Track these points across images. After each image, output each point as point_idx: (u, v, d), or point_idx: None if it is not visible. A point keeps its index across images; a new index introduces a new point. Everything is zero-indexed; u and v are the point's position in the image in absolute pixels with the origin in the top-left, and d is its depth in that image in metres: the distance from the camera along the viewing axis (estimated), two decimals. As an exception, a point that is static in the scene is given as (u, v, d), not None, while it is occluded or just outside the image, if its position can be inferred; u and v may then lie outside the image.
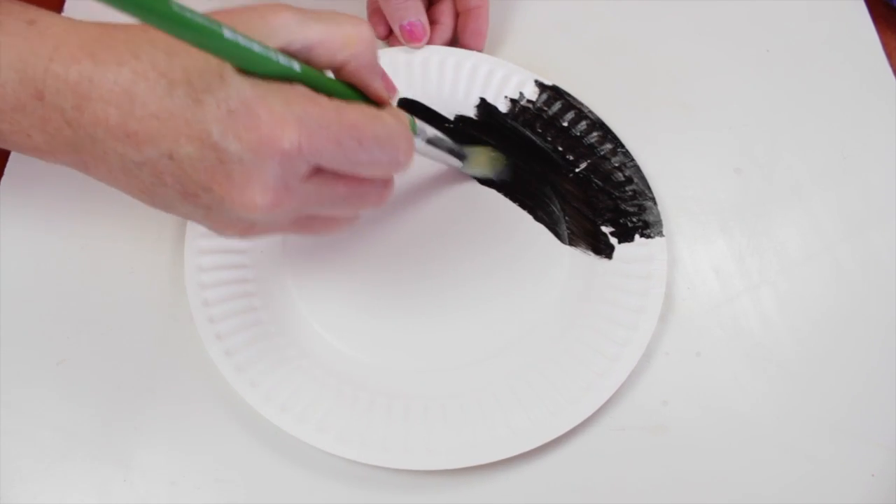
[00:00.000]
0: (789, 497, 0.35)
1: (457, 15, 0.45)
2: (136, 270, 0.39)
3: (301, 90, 0.25)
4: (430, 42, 0.44)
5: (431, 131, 0.36)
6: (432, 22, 0.44)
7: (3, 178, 0.41)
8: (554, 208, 0.40)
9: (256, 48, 0.24)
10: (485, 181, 0.41)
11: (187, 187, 0.26)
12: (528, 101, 0.42)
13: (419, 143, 0.34)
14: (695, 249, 0.40)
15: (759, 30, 0.47)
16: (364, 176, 0.28)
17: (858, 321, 0.39)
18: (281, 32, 0.25)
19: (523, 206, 0.41)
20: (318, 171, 0.27)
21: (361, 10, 0.44)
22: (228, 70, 0.25)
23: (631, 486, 0.35)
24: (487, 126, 0.42)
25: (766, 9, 0.48)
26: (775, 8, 0.48)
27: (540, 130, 0.42)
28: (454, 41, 0.45)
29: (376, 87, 0.29)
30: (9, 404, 0.35)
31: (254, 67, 0.25)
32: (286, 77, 0.25)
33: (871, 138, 0.44)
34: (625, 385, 0.36)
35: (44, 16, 0.27)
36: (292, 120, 0.25)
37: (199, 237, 0.38)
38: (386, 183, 0.30)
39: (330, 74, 0.28)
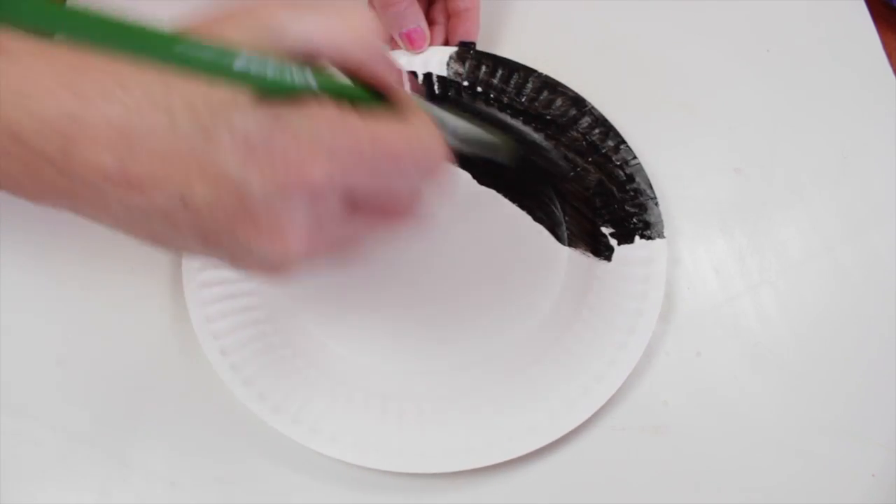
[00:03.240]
0: (789, 497, 0.35)
1: (448, 16, 0.44)
2: (136, 270, 0.39)
3: (326, 112, 0.22)
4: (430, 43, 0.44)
5: (455, 123, 0.32)
6: (429, 23, 0.44)
7: (4, 178, 0.41)
8: (554, 208, 0.40)
9: (270, 70, 0.21)
10: (484, 180, 0.41)
11: (206, 233, 0.23)
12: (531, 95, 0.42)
13: (449, 140, 0.31)
14: (695, 249, 0.40)
15: (759, 30, 0.47)
16: (400, 192, 0.25)
17: (858, 321, 0.39)
18: (276, 30, 0.23)
19: (522, 206, 0.40)
20: (352, 201, 0.24)
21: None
22: (234, 93, 0.21)
23: (631, 486, 0.35)
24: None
25: (766, 9, 0.48)
26: (775, 8, 0.48)
27: (541, 127, 0.42)
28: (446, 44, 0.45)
29: (391, 80, 0.26)
30: (9, 404, 0.35)
31: (268, 88, 0.22)
32: (303, 92, 0.22)
33: (871, 138, 0.44)
34: (625, 385, 0.36)
35: (22, 47, 0.22)
36: (321, 151, 0.22)
37: None
38: (419, 198, 0.27)
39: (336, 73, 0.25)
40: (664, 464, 0.35)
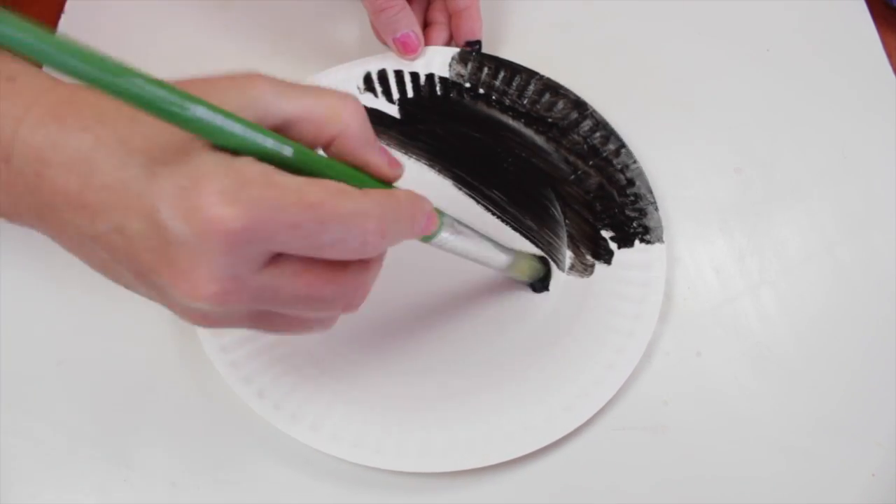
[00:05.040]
0: (789, 496, 0.35)
1: (449, 16, 0.44)
2: (137, 270, 0.39)
3: (266, 169, 0.23)
4: (430, 43, 0.43)
5: (463, 228, 0.32)
6: (429, 23, 0.44)
7: (4, 178, 0.41)
8: (554, 211, 0.40)
9: (237, 129, 0.22)
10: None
11: (138, 267, 0.24)
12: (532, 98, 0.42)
13: (443, 236, 0.30)
14: (695, 249, 0.40)
15: (759, 30, 0.47)
16: (330, 259, 0.24)
17: (858, 321, 0.39)
18: (257, 104, 0.23)
19: (525, 233, 0.40)
20: (276, 260, 0.24)
21: (362, 15, 0.44)
22: (198, 145, 0.22)
23: (631, 486, 0.35)
24: (486, 122, 0.42)
25: (766, 9, 0.48)
26: (775, 8, 0.48)
27: (542, 130, 0.42)
28: (450, 43, 0.45)
29: (375, 162, 0.26)
30: (9, 404, 0.35)
31: (233, 146, 0.22)
32: (271, 159, 0.23)
33: (871, 138, 0.44)
34: (625, 385, 0.36)
35: (24, 73, 0.25)
36: (241, 200, 0.22)
37: None
38: (362, 279, 0.26)
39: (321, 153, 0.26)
40: (664, 463, 0.35)
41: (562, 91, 0.43)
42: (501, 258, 0.35)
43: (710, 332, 0.38)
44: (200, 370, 0.36)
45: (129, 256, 0.24)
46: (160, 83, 0.21)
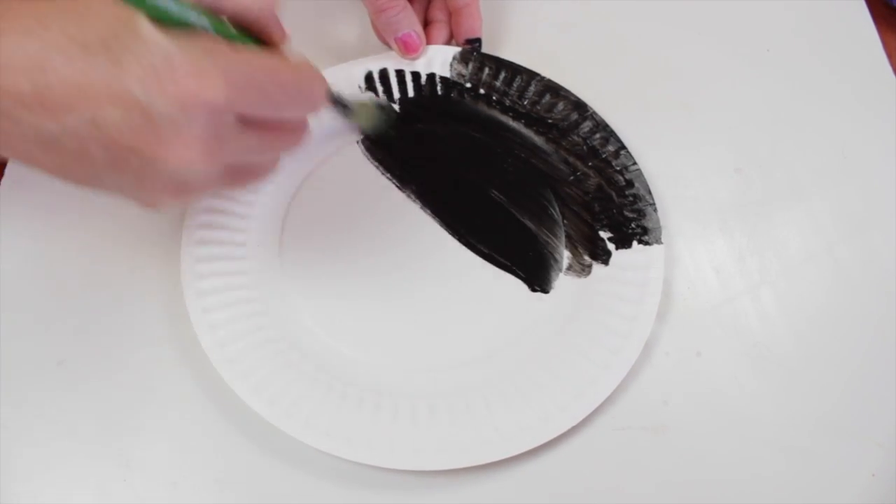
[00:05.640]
0: (789, 496, 0.35)
1: (449, 14, 0.44)
2: (136, 270, 0.39)
3: (218, 41, 0.26)
4: (430, 41, 0.43)
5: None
6: (429, 21, 0.44)
7: (4, 178, 0.41)
8: (553, 212, 0.40)
9: (171, 6, 0.25)
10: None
11: (115, 153, 0.25)
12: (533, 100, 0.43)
13: None
14: (695, 249, 0.40)
15: (759, 30, 0.47)
16: (286, 118, 0.30)
17: (858, 321, 0.39)
18: None
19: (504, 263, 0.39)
20: (242, 119, 0.27)
21: (363, 14, 0.44)
22: (143, 23, 0.25)
23: (631, 485, 0.35)
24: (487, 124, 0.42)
25: (766, 9, 0.48)
26: (775, 8, 0.48)
27: (542, 131, 0.42)
28: (450, 41, 0.45)
29: (276, 34, 0.31)
30: (9, 405, 0.35)
31: (167, 20, 0.25)
32: (199, 29, 0.27)
33: (871, 138, 0.44)
34: (625, 384, 0.36)
35: None
36: (216, 72, 0.25)
37: (197, 229, 0.38)
38: (304, 124, 0.32)
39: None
40: (664, 463, 0.35)
41: (562, 92, 0.43)
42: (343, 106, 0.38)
43: (709, 332, 0.38)
44: (200, 370, 0.36)
45: (104, 145, 0.25)
46: None
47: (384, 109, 0.42)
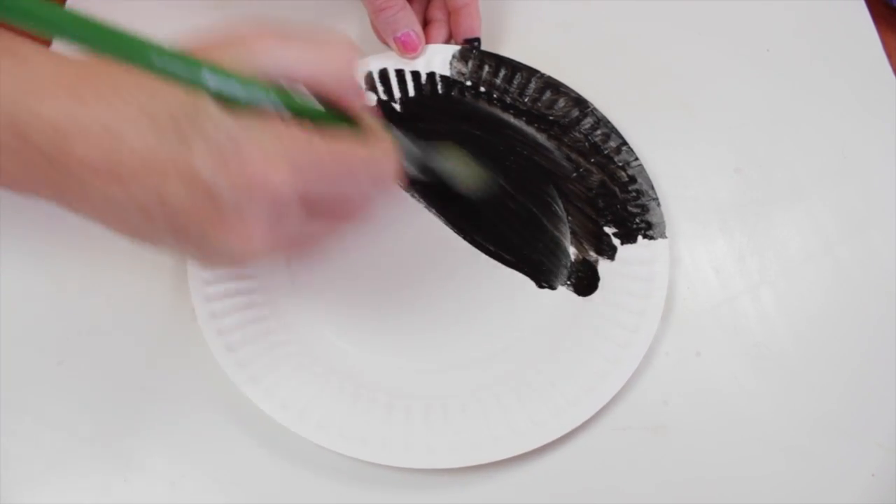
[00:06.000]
0: (789, 497, 0.35)
1: (448, 13, 0.44)
2: (136, 270, 0.39)
3: (290, 129, 0.26)
4: (429, 40, 0.43)
5: (411, 147, 0.35)
6: (428, 21, 0.44)
7: (3, 177, 0.40)
8: (557, 208, 0.40)
9: (237, 87, 0.25)
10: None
11: (177, 225, 0.26)
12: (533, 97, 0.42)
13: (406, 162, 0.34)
14: (695, 249, 0.40)
15: (759, 30, 0.47)
16: (353, 204, 0.29)
17: (858, 321, 0.39)
18: (262, 57, 0.26)
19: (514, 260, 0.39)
20: (309, 206, 0.27)
21: (362, 14, 0.44)
22: (210, 106, 0.24)
23: (631, 486, 0.35)
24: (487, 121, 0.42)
25: (766, 9, 0.48)
26: (775, 8, 0.48)
27: (544, 128, 0.42)
28: (449, 40, 0.45)
29: (357, 106, 0.30)
30: (9, 404, 0.35)
31: (236, 100, 0.25)
32: (268, 106, 0.26)
33: (871, 138, 0.44)
34: (625, 385, 0.36)
35: (35, 53, 0.26)
36: (283, 160, 0.25)
37: None
38: (370, 203, 0.31)
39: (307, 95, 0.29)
40: (664, 463, 0.35)
41: (562, 89, 0.43)
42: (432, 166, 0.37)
43: (710, 332, 0.38)
44: (200, 370, 0.36)
45: (167, 216, 0.25)
46: (174, 52, 0.23)
47: (472, 164, 0.40)
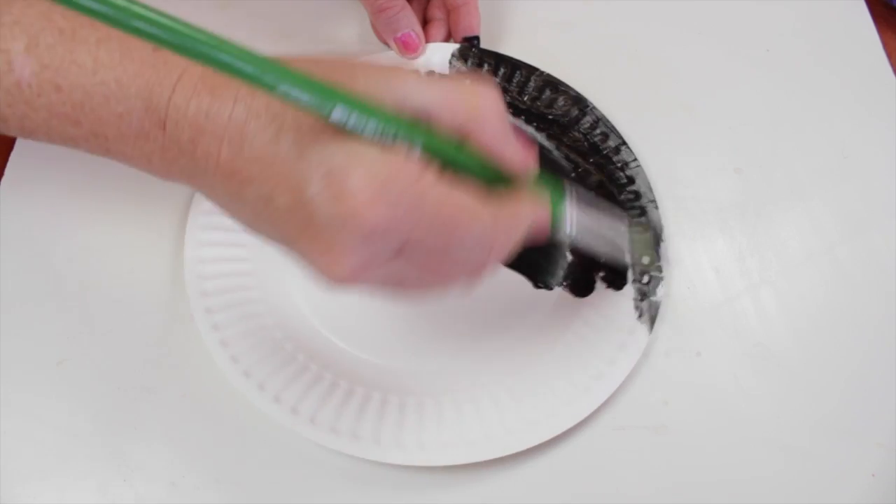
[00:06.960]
0: (789, 497, 0.35)
1: (447, 12, 0.44)
2: (136, 270, 0.39)
3: (410, 168, 0.24)
4: (429, 39, 0.43)
5: (584, 219, 0.31)
6: (427, 19, 0.44)
7: (4, 177, 0.40)
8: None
9: (371, 122, 0.24)
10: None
11: (279, 232, 0.26)
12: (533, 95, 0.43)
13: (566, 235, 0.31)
14: (695, 249, 0.40)
15: (759, 30, 0.47)
16: (451, 264, 0.27)
17: (858, 321, 0.39)
18: (399, 92, 0.25)
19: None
20: (405, 245, 0.25)
21: (362, 14, 0.44)
22: (337, 130, 0.24)
23: (631, 485, 0.35)
24: None
25: (766, 9, 0.48)
26: (775, 8, 0.48)
27: (543, 127, 0.42)
28: (448, 39, 0.45)
29: (508, 157, 0.27)
30: (9, 404, 0.35)
31: (362, 132, 0.24)
32: (400, 143, 0.24)
33: (871, 138, 0.44)
34: (625, 384, 0.36)
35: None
36: (385, 199, 0.24)
37: (199, 230, 0.38)
38: (481, 270, 0.28)
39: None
40: (664, 463, 0.35)
41: (562, 87, 0.43)
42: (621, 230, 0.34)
43: (709, 332, 0.38)
44: (200, 370, 0.36)
45: (272, 222, 0.26)
46: (307, 80, 0.23)
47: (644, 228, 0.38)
